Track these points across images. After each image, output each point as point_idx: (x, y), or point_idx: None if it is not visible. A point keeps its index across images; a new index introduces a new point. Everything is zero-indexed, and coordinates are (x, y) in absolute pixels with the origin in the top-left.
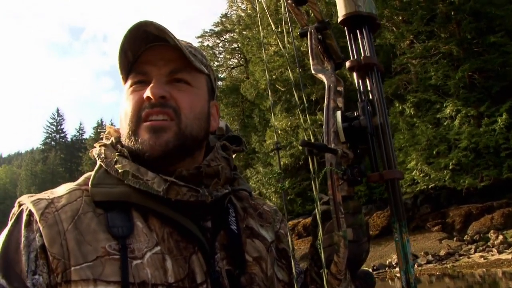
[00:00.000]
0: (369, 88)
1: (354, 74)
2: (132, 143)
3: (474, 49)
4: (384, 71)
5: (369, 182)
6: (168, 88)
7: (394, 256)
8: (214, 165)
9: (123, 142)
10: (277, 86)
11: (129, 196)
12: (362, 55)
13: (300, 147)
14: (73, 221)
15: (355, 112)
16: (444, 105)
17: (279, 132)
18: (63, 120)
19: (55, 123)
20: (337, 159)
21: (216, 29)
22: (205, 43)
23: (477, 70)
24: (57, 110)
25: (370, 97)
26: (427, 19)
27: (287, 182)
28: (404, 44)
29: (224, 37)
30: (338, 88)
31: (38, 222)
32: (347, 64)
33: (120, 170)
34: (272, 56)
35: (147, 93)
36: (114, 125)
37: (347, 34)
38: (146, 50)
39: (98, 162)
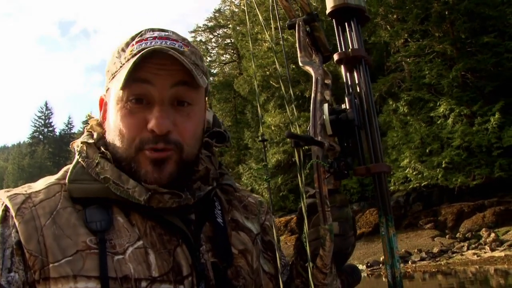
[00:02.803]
0: (356, 81)
1: (342, 66)
2: (132, 168)
3: (468, 49)
4: (373, 64)
5: (356, 176)
6: (172, 114)
7: None
8: (201, 169)
9: (111, 143)
10: (270, 82)
11: (108, 193)
12: (350, 47)
13: (293, 144)
14: (51, 216)
15: (342, 105)
16: (438, 104)
17: (272, 128)
18: (52, 114)
19: (43, 117)
20: (323, 152)
21: (209, 24)
22: (198, 38)
23: (470, 70)
24: (46, 104)
25: (358, 90)
26: (422, 18)
27: (280, 179)
28: (399, 42)
29: (217, 32)
30: (326, 81)
31: (14, 218)
32: (335, 56)
33: (101, 176)
34: (265, 52)
35: (153, 124)
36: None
37: (335, 26)
38: (146, 58)
39: (77, 157)
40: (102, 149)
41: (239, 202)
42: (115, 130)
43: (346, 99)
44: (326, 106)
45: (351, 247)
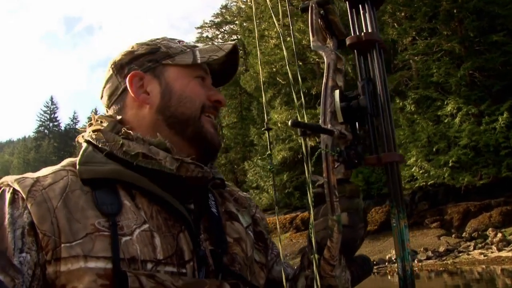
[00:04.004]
0: (370, 67)
1: (355, 51)
2: (197, 128)
3: (476, 48)
4: (388, 49)
5: (367, 165)
6: None
7: (393, 251)
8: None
9: (173, 105)
10: (277, 79)
11: (119, 174)
12: (364, 31)
13: (299, 141)
14: (62, 198)
15: (355, 91)
16: (445, 103)
17: (279, 125)
18: (57, 109)
19: (48, 111)
20: (333, 140)
21: (216, 20)
22: (205, 34)
23: (478, 69)
24: (51, 99)
25: (371, 76)
26: (430, 16)
27: (285, 176)
28: (406, 40)
29: (224, 28)
30: (338, 66)
31: (26, 200)
32: (347, 41)
33: (132, 152)
34: (272, 49)
35: (220, 98)
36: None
37: (348, 9)
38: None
39: (85, 145)
40: (124, 129)
41: (230, 195)
42: (184, 94)
43: (358, 85)
44: (337, 92)
45: (360, 240)
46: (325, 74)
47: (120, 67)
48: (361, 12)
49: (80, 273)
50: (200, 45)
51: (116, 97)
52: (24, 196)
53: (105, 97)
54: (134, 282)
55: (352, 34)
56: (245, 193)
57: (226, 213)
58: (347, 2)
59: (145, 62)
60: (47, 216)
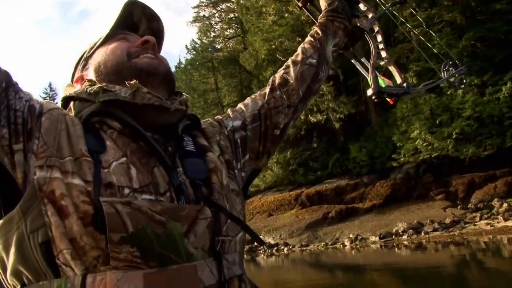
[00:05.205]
0: None
1: None
2: (126, 67)
3: (478, 17)
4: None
5: None
6: None
7: (400, 224)
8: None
9: (102, 65)
10: (277, 55)
11: (105, 108)
12: None
13: (301, 117)
14: (67, 124)
15: None
16: None
17: None
18: (56, 95)
19: (48, 98)
20: None
21: None
22: (201, 13)
23: (480, 39)
24: (50, 85)
25: None
26: None
27: (289, 153)
28: (406, 12)
29: (221, 7)
30: None
31: (43, 115)
32: None
33: (93, 90)
34: (271, 26)
35: (144, 38)
36: None
37: None
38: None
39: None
40: (87, 78)
41: (198, 131)
42: (106, 54)
43: None
44: None
45: None
46: None
47: (72, 80)
48: None
49: (69, 186)
50: None
51: None
52: (44, 111)
53: None
54: (109, 208)
55: None
56: (206, 121)
57: (201, 147)
58: None
59: (81, 66)
60: (53, 132)
